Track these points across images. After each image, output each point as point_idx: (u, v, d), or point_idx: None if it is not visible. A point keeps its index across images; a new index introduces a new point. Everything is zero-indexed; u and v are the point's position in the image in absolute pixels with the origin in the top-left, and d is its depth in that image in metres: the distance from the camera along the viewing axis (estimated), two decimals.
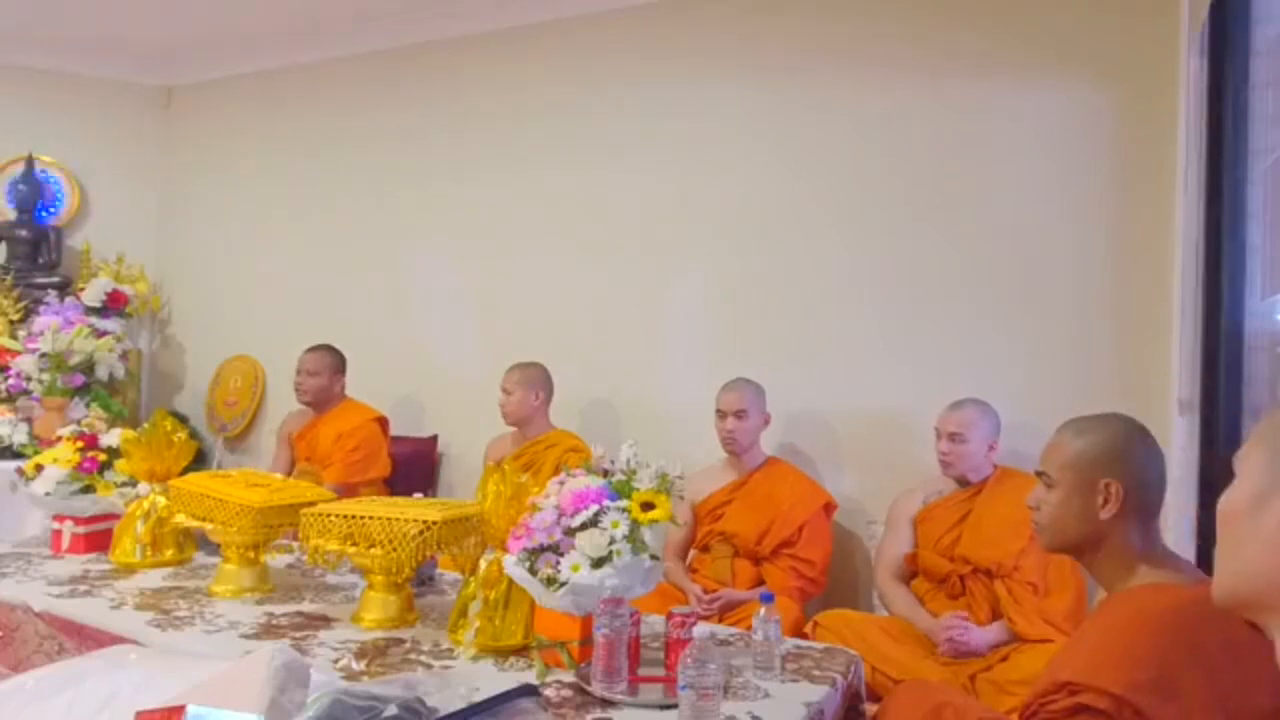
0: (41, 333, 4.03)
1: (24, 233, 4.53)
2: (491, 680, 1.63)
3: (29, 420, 4.01)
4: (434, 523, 1.88)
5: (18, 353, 4.08)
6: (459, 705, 1.17)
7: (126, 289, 4.53)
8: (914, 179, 3.13)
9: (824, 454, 3.22)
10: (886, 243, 3.17)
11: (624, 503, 1.71)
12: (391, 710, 1.09)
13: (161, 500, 2.46)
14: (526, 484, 1.84)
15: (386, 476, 3.62)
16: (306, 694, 1.16)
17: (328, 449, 3.56)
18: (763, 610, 1.74)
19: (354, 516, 1.94)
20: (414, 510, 1.93)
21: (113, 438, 2.67)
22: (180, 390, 4.81)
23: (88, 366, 4.11)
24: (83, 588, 2.21)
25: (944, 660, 2.40)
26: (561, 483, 1.79)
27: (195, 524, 2.24)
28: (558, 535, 1.69)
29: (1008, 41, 3.01)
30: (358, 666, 1.69)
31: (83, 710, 1.24)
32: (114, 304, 4.46)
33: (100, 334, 4.19)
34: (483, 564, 1.86)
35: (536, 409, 3.33)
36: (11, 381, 4.06)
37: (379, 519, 1.91)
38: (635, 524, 1.68)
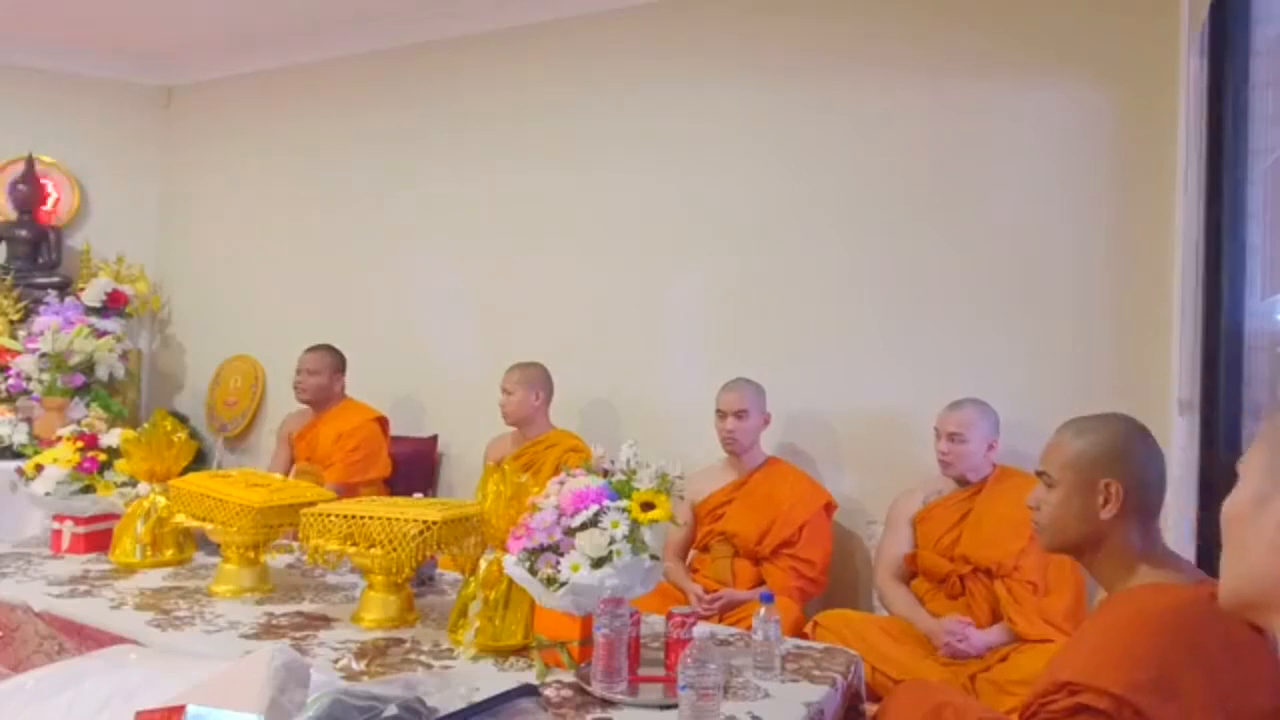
0: (41, 333, 4.03)
1: (24, 233, 4.53)
2: (491, 680, 1.63)
3: (29, 420, 4.01)
4: (434, 523, 1.88)
5: (18, 353, 4.08)
6: (459, 705, 1.17)
7: (126, 289, 4.52)
8: (914, 179, 3.13)
9: (824, 454, 3.22)
10: (886, 243, 3.17)
11: (624, 503, 1.71)
12: (391, 710, 1.09)
13: (161, 500, 2.46)
14: (526, 484, 1.84)
15: (387, 476, 3.62)
16: (306, 694, 1.16)
17: (328, 449, 3.56)
18: (763, 610, 1.74)
19: (354, 516, 1.94)
20: (414, 510, 1.93)
21: (113, 438, 2.67)
22: (180, 390, 4.81)
23: (88, 366, 4.11)
24: (83, 588, 2.21)
25: (944, 660, 2.40)
26: (561, 483, 1.79)
27: (195, 524, 2.24)
28: (558, 535, 1.69)
29: (1008, 41, 3.01)
30: (358, 666, 1.69)
31: (83, 710, 1.24)
32: (114, 304, 4.45)
33: (100, 334, 4.18)
34: (483, 564, 1.86)
35: (537, 409, 3.33)
36: (11, 381, 4.06)
37: (379, 519, 1.91)
38: (635, 524, 1.68)
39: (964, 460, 2.64)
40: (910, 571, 2.70)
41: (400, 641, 1.86)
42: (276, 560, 2.51)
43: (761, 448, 3.03)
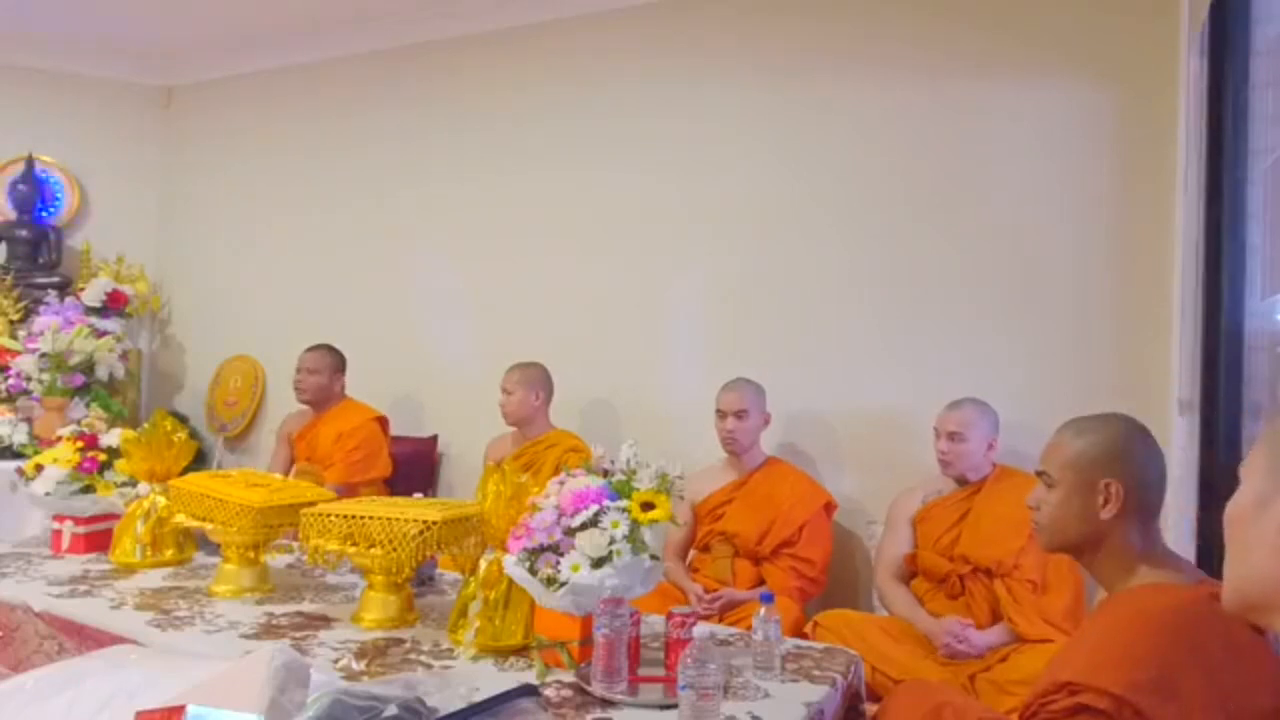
0: (41, 333, 4.03)
1: (24, 233, 4.53)
2: (491, 680, 1.63)
3: (29, 420, 4.01)
4: (434, 523, 1.88)
5: (18, 353, 4.08)
6: (459, 705, 1.17)
7: (126, 289, 4.52)
8: (914, 179, 3.13)
9: (824, 454, 3.22)
10: (886, 243, 3.17)
11: (624, 503, 1.71)
12: (391, 710, 1.09)
13: (161, 500, 2.46)
14: (526, 484, 1.84)
15: (387, 476, 3.63)
16: (306, 694, 1.16)
17: (328, 449, 3.56)
18: (763, 610, 1.74)
19: (354, 516, 1.94)
20: (414, 510, 1.93)
21: (113, 438, 2.67)
22: (180, 390, 4.81)
23: (88, 366, 4.11)
24: (83, 588, 2.21)
25: (944, 660, 2.40)
26: (561, 483, 1.79)
27: (195, 524, 2.24)
28: (558, 535, 1.68)
29: (1008, 41, 3.01)
30: (358, 666, 1.69)
31: (83, 710, 1.24)
32: (114, 304, 4.46)
33: (100, 334, 4.18)
34: (483, 564, 1.86)
35: (537, 409, 3.33)
36: (11, 381, 4.06)
37: (379, 519, 1.91)
38: (635, 524, 1.68)
39: (963, 460, 2.64)
40: (910, 571, 2.70)
41: (400, 641, 1.86)
42: (276, 560, 2.51)
43: (761, 448, 3.03)
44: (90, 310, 4.32)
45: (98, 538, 2.60)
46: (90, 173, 4.74)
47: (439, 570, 2.35)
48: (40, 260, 4.59)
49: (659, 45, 3.61)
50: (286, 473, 3.53)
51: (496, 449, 3.41)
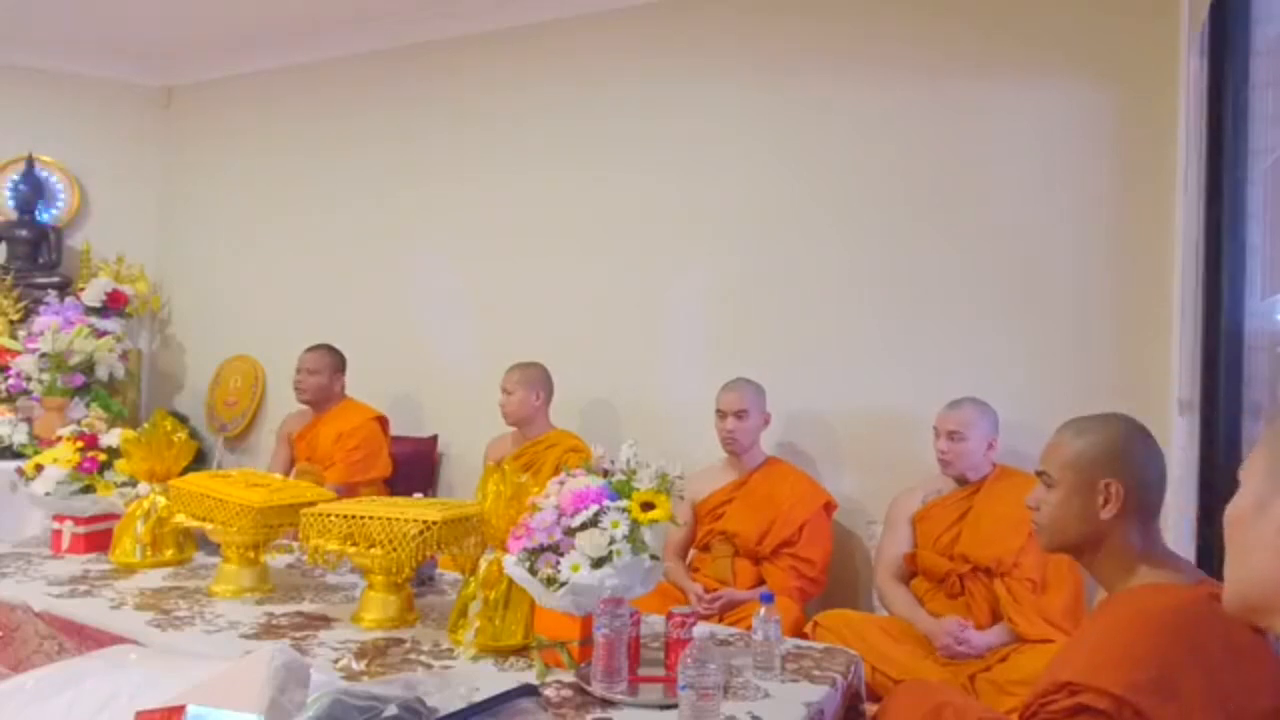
0: (41, 333, 4.03)
1: (24, 233, 4.53)
2: (491, 680, 1.63)
3: (29, 420, 4.01)
4: (434, 523, 1.88)
5: (18, 353, 4.08)
6: (459, 705, 1.17)
7: (126, 289, 4.53)
8: (914, 179, 3.13)
9: (824, 454, 3.22)
10: (886, 243, 3.17)
11: (624, 503, 1.71)
12: (391, 710, 1.09)
13: (161, 500, 2.46)
14: (526, 484, 1.84)
15: (387, 476, 3.63)
16: (306, 694, 1.16)
17: (328, 449, 3.56)
18: (763, 610, 1.74)
19: (354, 516, 1.94)
20: (414, 510, 1.93)
21: (113, 438, 2.67)
22: (180, 390, 4.81)
23: (88, 366, 4.11)
24: (83, 588, 2.21)
25: (944, 660, 2.40)
26: (561, 483, 1.79)
27: (195, 524, 2.24)
28: (558, 535, 1.68)
29: (1008, 41, 3.01)
30: (358, 666, 1.69)
31: (83, 710, 1.24)
32: (114, 304, 4.46)
33: (100, 334, 4.19)
34: (483, 564, 1.86)
35: (537, 409, 3.33)
36: (11, 381, 4.06)
37: (379, 519, 1.91)
38: (635, 524, 1.68)
39: (963, 459, 2.64)
40: (910, 571, 2.70)
41: (400, 641, 1.86)
42: (276, 560, 2.51)
43: (761, 447, 3.03)
44: (90, 310, 4.32)
45: (98, 538, 2.60)
46: (90, 173, 4.74)
47: (439, 570, 2.35)
48: (40, 260, 4.59)
49: (659, 45, 3.61)
50: (286, 473, 3.53)
51: (496, 449, 3.42)
